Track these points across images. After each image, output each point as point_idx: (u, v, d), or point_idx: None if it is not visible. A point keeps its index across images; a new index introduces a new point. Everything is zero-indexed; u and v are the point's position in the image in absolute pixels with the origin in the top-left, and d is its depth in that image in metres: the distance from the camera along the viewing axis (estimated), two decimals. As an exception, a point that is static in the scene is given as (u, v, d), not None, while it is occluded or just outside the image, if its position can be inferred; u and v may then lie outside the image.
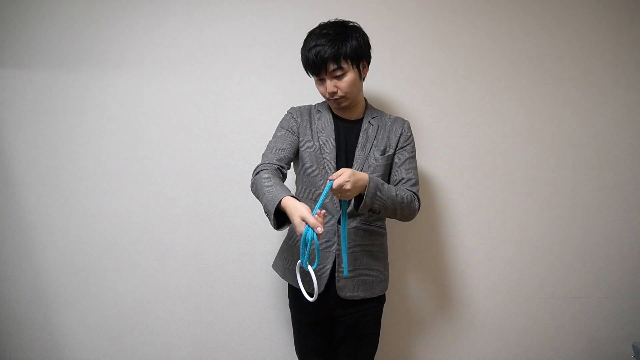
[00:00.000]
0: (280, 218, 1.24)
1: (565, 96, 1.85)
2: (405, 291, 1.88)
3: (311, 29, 1.41)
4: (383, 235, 1.53)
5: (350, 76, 1.37)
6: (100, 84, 1.78)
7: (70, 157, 1.80)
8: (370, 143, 1.45)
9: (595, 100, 1.86)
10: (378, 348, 1.54)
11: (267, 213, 1.24)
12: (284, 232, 1.54)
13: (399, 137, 1.48)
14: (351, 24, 1.40)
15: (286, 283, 1.61)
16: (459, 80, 1.83)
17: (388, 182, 1.47)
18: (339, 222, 1.42)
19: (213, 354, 1.87)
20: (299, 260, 1.23)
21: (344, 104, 1.42)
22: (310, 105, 1.55)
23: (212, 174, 1.81)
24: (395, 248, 1.79)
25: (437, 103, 1.83)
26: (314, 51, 1.34)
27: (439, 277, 1.90)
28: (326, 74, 1.36)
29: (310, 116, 1.50)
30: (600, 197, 1.88)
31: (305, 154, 1.45)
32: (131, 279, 1.84)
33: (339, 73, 1.36)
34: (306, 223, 1.15)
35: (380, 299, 1.53)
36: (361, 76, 1.43)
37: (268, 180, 1.27)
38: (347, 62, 1.35)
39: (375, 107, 1.60)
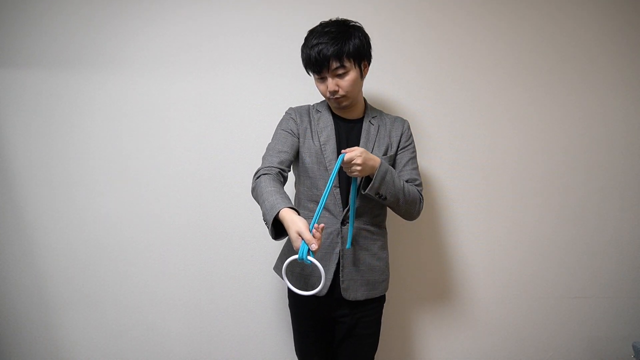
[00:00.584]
0: (278, 228, 1.21)
1: (566, 96, 1.86)
2: (405, 291, 1.88)
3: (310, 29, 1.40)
4: (384, 235, 1.53)
5: (352, 75, 1.36)
6: (100, 84, 1.78)
7: (70, 157, 1.79)
8: (371, 143, 1.45)
9: (596, 100, 1.86)
10: (378, 348, 1.54)
11: (265, 222, 1.22)
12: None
13: (400, 137, 1.48)
14: (353, 23, 1.40)
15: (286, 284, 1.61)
16: (459, 80, 1.83)
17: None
18: (342, 224, 1.42)
19: (213, 354, 1.87)
20: (287, 260, 1.17)
21: (344, 104, 1.41)
22: (309, 105, 1.53)
23: (212, 174, 1.81)
24: (395, 248, 1.79)
25: (437, 103, 1.83)
26: (316, 49, 1.33)
27: (439, 277, 1.90)
28: (328, 72, 1.35)
29: (309, 116, 1.49)
30: (600, 197, 1.89)
31: (305, 155, 1.43)
32: (131, 279, 1.83)
33: (341, 71, 1.35)
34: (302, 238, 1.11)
35: (381, 299, 1.53)
36: (362, 76, 1.42)
37: (268, 187, 1.24)
38: (349, 61, 1.34)
39: (375, 107, 1.59)
